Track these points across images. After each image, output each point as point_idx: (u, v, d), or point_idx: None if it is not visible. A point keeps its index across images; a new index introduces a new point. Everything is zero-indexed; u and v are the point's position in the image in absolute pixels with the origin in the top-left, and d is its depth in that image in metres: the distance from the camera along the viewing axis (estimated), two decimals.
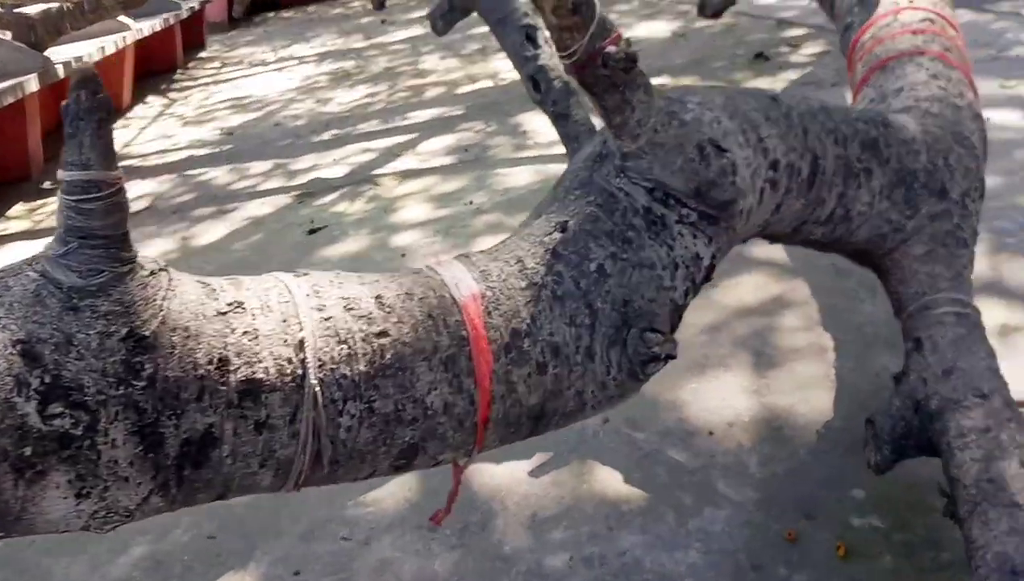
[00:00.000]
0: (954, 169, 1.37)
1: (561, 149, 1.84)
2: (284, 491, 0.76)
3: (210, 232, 3.08)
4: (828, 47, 3.69)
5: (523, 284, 0.86)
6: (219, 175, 3.76)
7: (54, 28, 3.97)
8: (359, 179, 3.34)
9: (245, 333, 0.70)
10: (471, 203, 2.86)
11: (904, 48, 1.63)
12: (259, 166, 3.78)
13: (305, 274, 0.79)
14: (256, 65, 6.43)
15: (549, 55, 1.63)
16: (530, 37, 1.59)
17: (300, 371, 0.72)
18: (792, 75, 3.46)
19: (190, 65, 6.84)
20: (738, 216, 1.00)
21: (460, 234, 2.63)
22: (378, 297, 0.79)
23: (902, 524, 1.30)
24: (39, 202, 3.72)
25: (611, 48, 0.84)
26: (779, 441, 1.51)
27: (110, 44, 4.73)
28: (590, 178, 0.96)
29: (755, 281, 2.01)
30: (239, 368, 0.69)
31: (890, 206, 1.31)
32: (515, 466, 1.58)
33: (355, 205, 3.07)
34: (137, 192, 3.62)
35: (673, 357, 0.90)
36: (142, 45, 5.56)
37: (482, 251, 0.92)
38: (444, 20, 1.82)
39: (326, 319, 0.75)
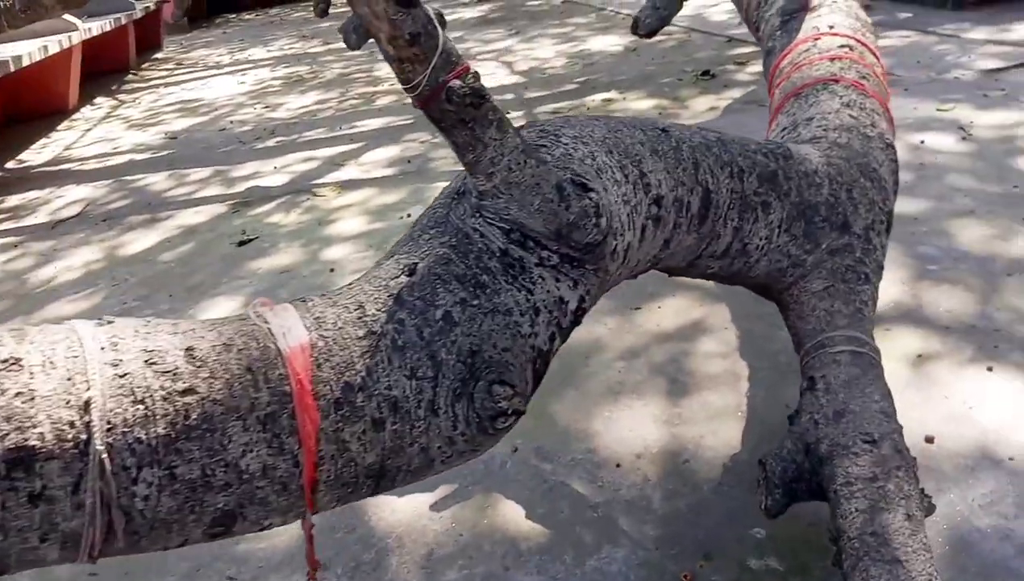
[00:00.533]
0: (858, 202, 1.34)
1: None
2: (79, 563, 0.70)
3: (139, 241, 2.99)
4: None
5: (361, 333, 0.80)
6: (157, 181, 3.66)
7: None
8: (298, 189, 3.27)
9: (18, 394, 0.64)
10: (409, 216, 2.81)
11: (820, 75, 1.59)
12: (199, 173, 3.69)
13: (109, 322, 0.73)
14: (211, 68, 6.32)
15: None
16: None
17: (84, 436, 0.65)
18: (736, 93, 3.43)
19: (144, 66, 6.71)
20: (609, 257, 0.95)
21: None
22: (189, 349, 0.73)
23: (800, 567, 1.26)
24: None
25: (455, 82, 0.79)
26: (684, 475, 1.47)
27: (54, 44, 4.62)
28: (446, 217, 0.90)
29: (677, 305, 1.97)
30: (8, 435, 0.62)
31: (790, 240, 1.28)
32: (417, 499, 1.52)
33: (290, 216, 3.00)
34: (70, 198, 3.51)
35: (522, 412, 0.84)
36: (91, 45, 5.43)
37: (323, 295, 0.86)
38: (357, 35, 1.76)
39: (121, 376, 0.68)
